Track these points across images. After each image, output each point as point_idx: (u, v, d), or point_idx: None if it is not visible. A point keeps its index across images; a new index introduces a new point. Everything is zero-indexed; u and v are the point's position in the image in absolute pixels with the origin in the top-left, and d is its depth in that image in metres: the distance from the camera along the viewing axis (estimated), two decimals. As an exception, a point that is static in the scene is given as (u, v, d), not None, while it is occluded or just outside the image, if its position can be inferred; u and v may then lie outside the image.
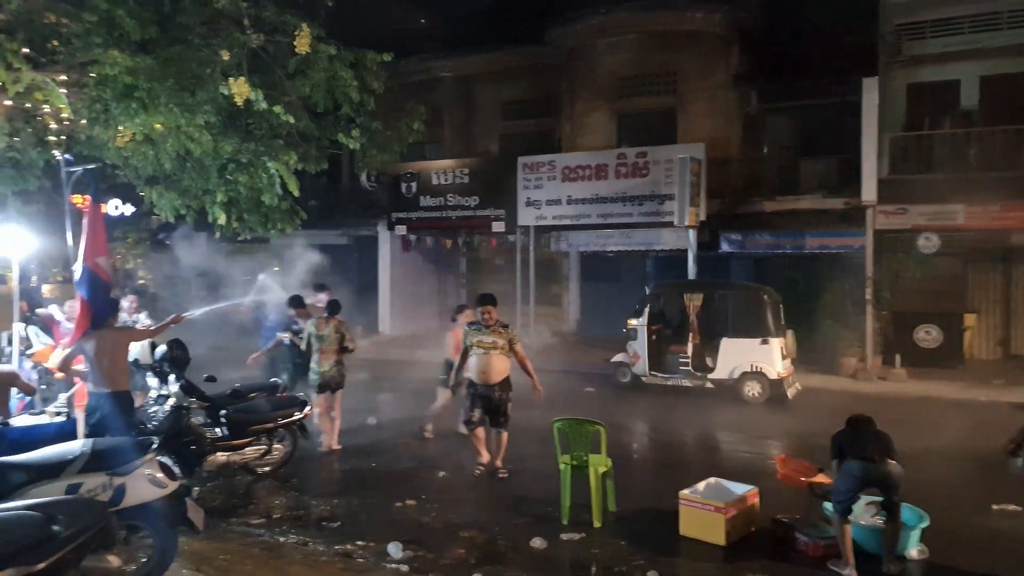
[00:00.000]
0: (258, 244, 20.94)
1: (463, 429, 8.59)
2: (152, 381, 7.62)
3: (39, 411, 7.09)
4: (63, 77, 8.06)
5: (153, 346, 7.82)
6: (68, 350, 7.29)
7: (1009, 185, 14.28)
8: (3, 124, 8.44)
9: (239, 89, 7.36)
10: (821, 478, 6.31)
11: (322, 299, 9.86)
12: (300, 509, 7.07)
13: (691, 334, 12.95)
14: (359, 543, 6.15)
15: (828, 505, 6.03)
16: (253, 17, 7.99)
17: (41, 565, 3.05)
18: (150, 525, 4.73)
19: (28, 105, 8.41)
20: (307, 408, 8.09)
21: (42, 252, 12.86)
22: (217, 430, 7.67)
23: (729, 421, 10.99)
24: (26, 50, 7.79)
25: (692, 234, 15.75)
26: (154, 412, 7.34)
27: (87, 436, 6.39)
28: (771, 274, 17.54)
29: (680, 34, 18.09)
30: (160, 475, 4.76)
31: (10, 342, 9.25)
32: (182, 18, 8.07)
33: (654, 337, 13.27)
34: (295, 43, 7.56)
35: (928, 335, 15.33)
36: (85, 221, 7.47)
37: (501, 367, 7.82)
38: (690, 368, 12.84)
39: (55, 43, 8.37)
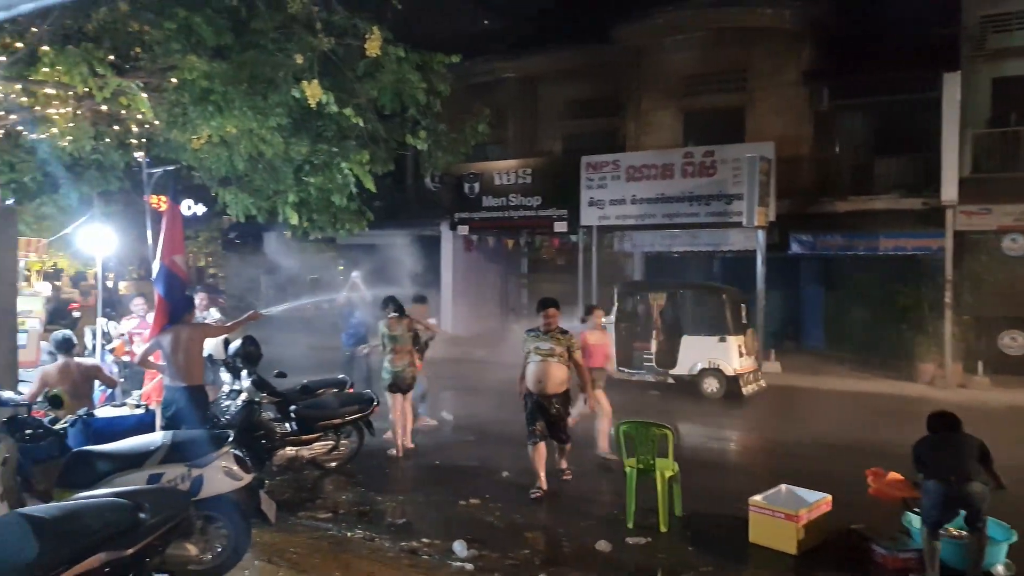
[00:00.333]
0: (325, 243, 21.35)
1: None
2: (225, 376, 7.83)
3: (120, 403, 7.34)
4: (144, 82, 8.35)
5: (227, 342, 8.04)
6: (146, 345, 7.55)
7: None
8: (88, 128, 8.80)
9: (312, 92, 7.51)
10: (911, 491, 6.05)
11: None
12: (366, 505, 7.17)
13: (655, 332, 13.48)
14: (424, 540, 6.20)
15: (911, 517, 5.82)
16: (324, 21, 8.14)
17: (130, 551, 3.16)
18: (225, 516, 4.87)
19: (111, 109, 8.76)
20: (374, 404, 8.20)
21: (120, 251, 13.36)
22: (287, 425, 7.83)
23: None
24: (111, 57, 8.11)
25: (761, 235, 15.46)
26: (226, 406, 7.54)
27: (163, 429, 6.62)
28: (842, 276, 17.16)
29: (749, 31, 17.75)
30: (236, 468, 4.90)
31: (94, 336, 9.65)
32: (256, 24, 8.27)
33: (623, 334, 13.70)
34: (365, 46, 7.67)
35: (1015, 341, 14.72)
36: (164, 220, 7.71)
37: (559, 376, 7.37)
38: (654, 364, 13.37)
39: (138, 50, 8.70)
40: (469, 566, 5.70)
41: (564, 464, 7.88)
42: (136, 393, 8.29)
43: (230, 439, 5.02)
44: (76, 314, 12.50)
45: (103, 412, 6.87)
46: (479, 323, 20.91)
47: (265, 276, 23.81)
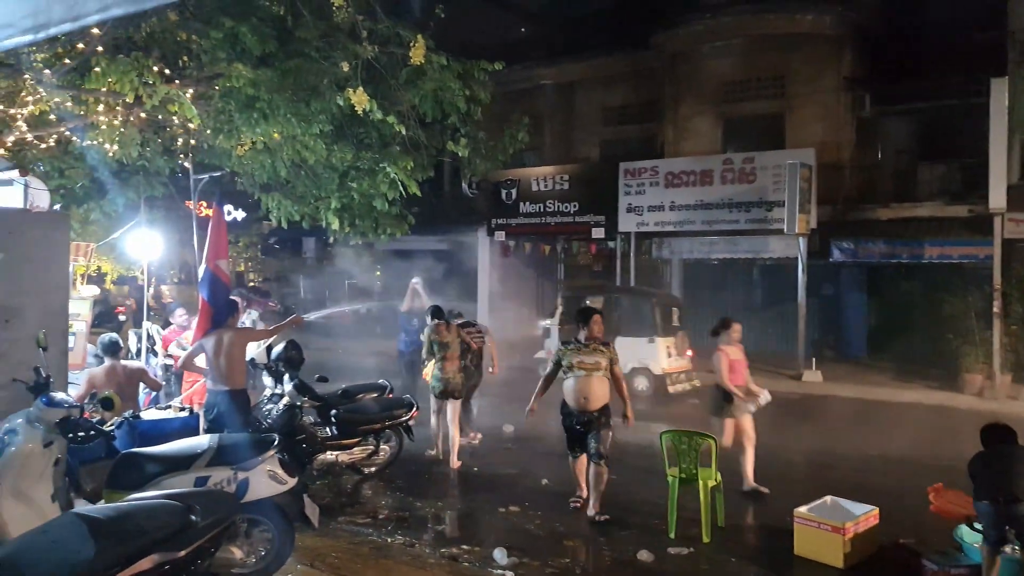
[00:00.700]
0: (362, 249, 21.52)
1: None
2: (267, 380, 7.90)
3: (165, 405, 7.45)
4: (191, 91, 8.51)
5: (269, 347, 8.12)
6: (190, 348, 7.66)
7: None
8: (136, 135, 8.98)
9: (358, 99, 7.59)
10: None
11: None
12: (405, 510, 7.19)
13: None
14: (464, 547, 6.20)
15: (963, 531, 5.67)
16: (368, 30, 8.22)
17: (182, 553, 3.20)
18: (270, 520, 4.90)
19: (158, 116, 8.93)
20: (414, 409, 8.22)
21: (162, 255, 13.60)
22: (327, 429, 7.88)
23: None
24: (159, 66, 8.28)
25: (802, 242, 15.27)
26: (268, 410, 7.61)
27: (205, 432, 6.69)
28: (885, 284, 16.87)
29: (789, 37, 17.56)
30: (280, 472, 4.93)
31: (139, 340, 9.81)
32: (301, 32, 8.38)
33: (565, 335, 14.00)
34: (410, 54, 7.74)
35: (1066, 352, 14.32)
36: (209, 225, 7.83)
37: (602, 391, 6.87)
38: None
39: (185, 59, 8.87)
40: (510, 574, 5.68)
41: (598, 507, 6.87)
42: (176, 401, 8.42)
43: (276, 443, 5.06)
44: (122, 318, 12.73)
45: (148, 415, 6.98)
46: (515, 329, 20.90)
47: (304, 281, 24.11)
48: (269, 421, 7.34)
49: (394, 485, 7.92)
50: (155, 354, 9.35)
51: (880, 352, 16.64)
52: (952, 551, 5.81)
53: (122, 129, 8.76)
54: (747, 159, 16.41)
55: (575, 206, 18.97)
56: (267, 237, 24.59)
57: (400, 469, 8.33)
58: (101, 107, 8.66)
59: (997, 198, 13.92)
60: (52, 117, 8.94)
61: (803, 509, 6.19)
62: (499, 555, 5.94)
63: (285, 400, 7.45)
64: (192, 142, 9.73)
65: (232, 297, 8.07)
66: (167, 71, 8.42)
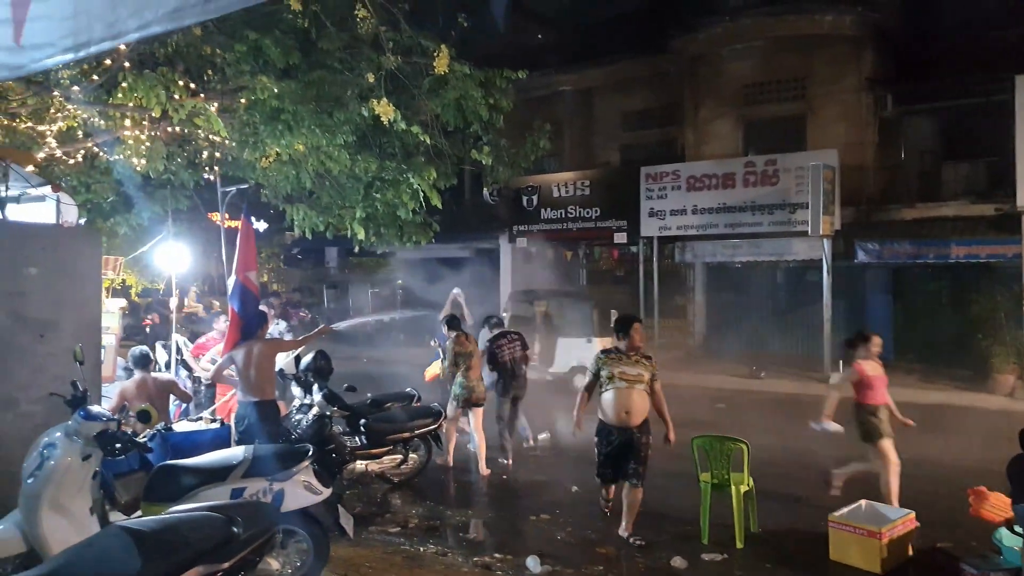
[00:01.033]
0: (384, 258, 21.63)
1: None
2: (296, 390, 7.94)
3: (197, 417, 7.50)
4: (215, 104, 8.59)
5: (298, 357, 8.16)
6: (220, 360, 7.71)
7: None
8: (161, 149, 9.08)
9: (383, 110, 7.63)
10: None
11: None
12: (436, 519, 7.19)
13: (538, 335, 14.44)
14: (496, 555, 6.19)
15: (1002, 533, 5.60)
16: (390, 40, 8.27)
17: (226, 565, 3.22)
18: (305, 530, 4.92)
19: (183, 130, 9.03)
20: (442, 418, 8.23)
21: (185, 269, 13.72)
22: (356, 439, 7.91)
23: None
24: (184, 80, 8.37)
25: (827, 244, 15.17)
26: (297, 420, 7.63)
27: (236, 443, 6.73)
28: (911, 284, 16.70)
29: (809, 38, 17.45)
30: (315, 482, 4.95)
31: (168, 352, 9.89)
32: (324, 44, 8.45)
33: None
34: (434, 63, 7.77)
35: (1098, 351, 14.10)
36: (239, 237, 7.89)
37: (644, 405, 6.42)
38: (537, 363, 13.90)
39: (209, 72, 8.97)
40: (544, 582, 5.67)
41: (631, 527, 6.55)
42: (206, 413, 8.47)
43: (310, 453, 5.08)
44: (148, 330, 12.88)
45: (179, 426, 7.03)
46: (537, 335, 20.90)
47: (328, 291, 24.23)
48: (299, 431, 7.36)
49: (424, 494, 7.93)
50: (185, 366, 9.42)
51: (907, 353, 16.42)
52: (991, 554, 5.76)
53: (147, 144, 8.87)
54: (769, 161, 16.33)
55: (596, 211, 18.97)
56: (289, 248, 24.75)
57: (429, 478, 8.35)
58: (128, 122, 8.77)
59: (1024, 196, 13.77)
60: (79, 133, 9.06)
61: (838, 514, 6.14)
62: (532, 563, 5.93)
63: (315, 410, 7.47)
64: (217, 155, 9.83)
65: (261, 308, 8.12)
66: (192, 85, 8.51)
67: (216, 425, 7.09)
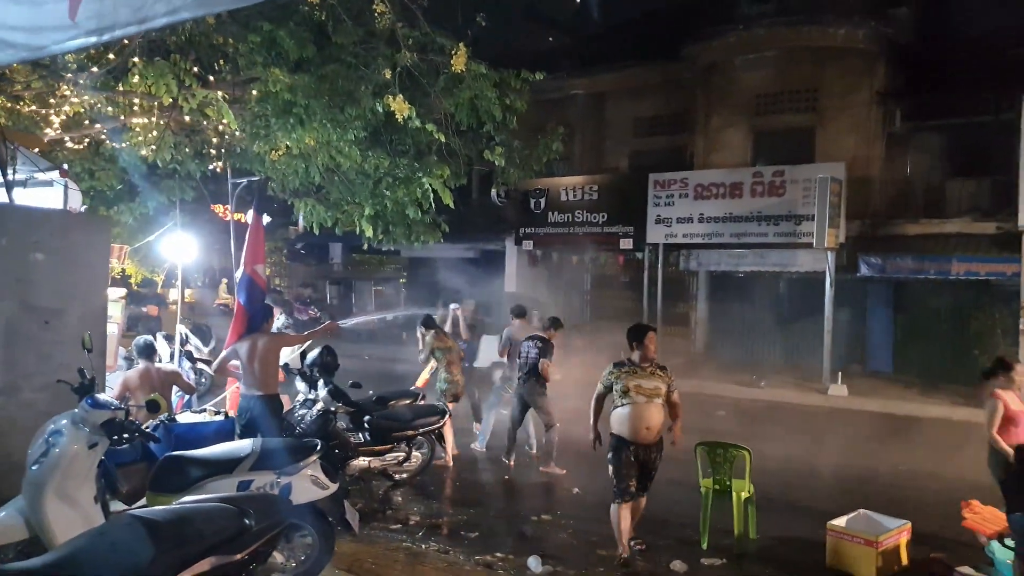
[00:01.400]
0: (389, 256, 21.62)
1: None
2: (301, 385, 7.91)
3: (201, 409, 7.46)
4: (225, 94, 8.55)
5: (303, 352, 8.13)
6: (223, 353, 7.68)
7: None
8: (170, 138, 9.04)
9: (399, 107, 7.60)
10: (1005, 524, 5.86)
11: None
12: (438, 517, 7.19)
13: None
14: (498, 555, 6.19)
15: (994, 546, 5.61)
16: (406, 36, 8.24)
17: (237, 557, 3.20)
18: (311, 524, 4.90)
19: (192, 120, 8.99)
20: (447, 417, 8.21)
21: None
22: (360, 435, 7.88)
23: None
24: (196, 69, 8.33)
25: (831, 256, 15.19)
26: (301, 415, 7.60)
27: (239, 436, 6.70)
28: (912, 299, 16.72)
29: (822, 50, 17.45)
30: (322, 477, 4.94)
31: (169, 342, 9.86)
32: (339, 38, 8.42)
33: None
34: (452, 61, 7.75)
35: (1092, 370, 14.12)
36: (248, 230, 7.86)
37: (660, 421, 6.09)
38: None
39: (221, 62, 8.93)
40: (546, 583, 5.66)
41: (632, 531, 6.37)
42: (217, 400, 8.45)
43: (318, 448, 5.06)
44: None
45: (183, 418, 7.00)
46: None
47: (331, 287, 24.20)
48: (303, 426, 7.34)
49: (426, 492, 7.94)
50: (188, 357, 9.39)
51: (906, 367, 16.48)
52: (984, 566, 5.83)
53: (153, 132, 8.83)
54: (777, 172, 16.35)
55: (604, 216, 18.98)
56: (293, 243, 24.71)
57: (431, 476, 8.33)
58: (136, 109, 8.74)
59: (1028, 216, 13.79)
60: (86, 119, 9.02)
61: (836, 522, 6.20)
62: (534, 563, 5.94)
63: (319, 406, 7.44)
64: (225, 146, 9.79)
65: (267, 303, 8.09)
66: (203, 75, 8.47)
67: (220, 417, 7.07)
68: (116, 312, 10.07)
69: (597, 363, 8.73)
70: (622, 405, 6.03)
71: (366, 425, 7.80)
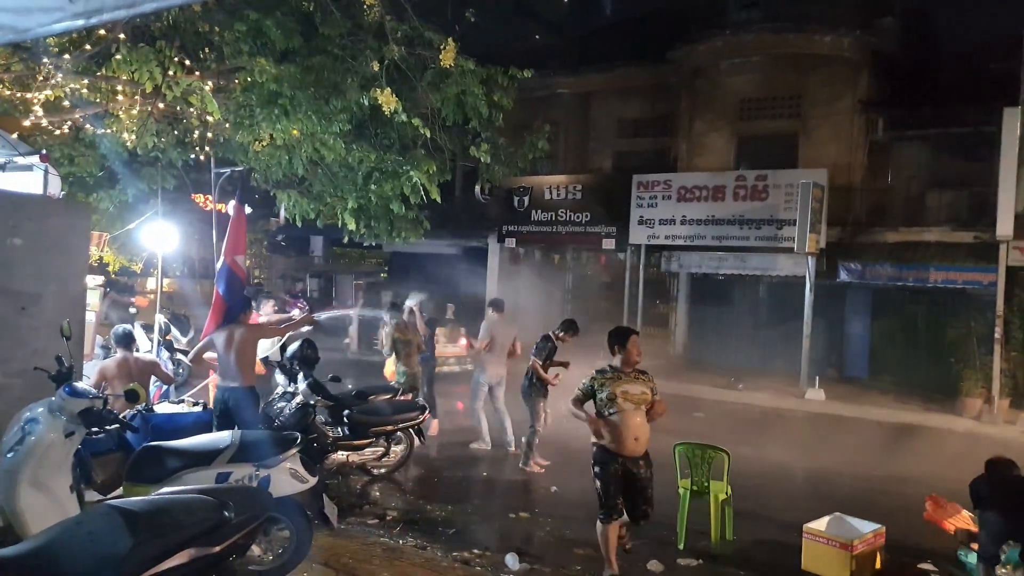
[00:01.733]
0: (370, 250, 21.49)
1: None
2: (280, 378, 7.86)
3: (179, 400, 7.40)
4: (210, 83, 8.48)
5: (284, 345, 8.09)
6: (199, 343, 7.62)
7: None
8: (152, 125, 8.94)
9: (386, 100, 7.57)
10: (966, 524, 5.96)
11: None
12: (416, 512, 7.18)
13: (382, 322, 15.10)
14: (475, 551, 6.18)
15: (966, 551, 5.70)
16: (394, 30, 8.21)
17: (216, 548, 3.18)
18: (290, 518, 4.87)
19: (175, 108, 8.90)
20: (426, 412, 8.19)
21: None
22: (339, 429, 7.85)
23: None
24: (179, 57, 8.24)
25: (811, 261, 15.31)
26: (280, 408, 7.56)
27: (216, 428, 6.65)
28: (890, 306, 16.90)
29: (807, 57, 17.60)
30: (302, 470, 4.91)
31: (147, 332, 9.76)
32: (326, 29, 8.36)
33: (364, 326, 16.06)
34: (441, 56, 7.72)
35: (1065, 379, 14.38)
36: (231, 221, 7.80)
37: (648, 431, 5.63)
38: (380, 347, 14.55)
39: (206, 50, 8.83)
40: (522, 580, 5.66)
41: (624, 532, 6.03)
42: (187, 396, 8.37)
43: (298, 441, 5.03)
44: (133, 310, 12.72)
45: (160, 408, 6.94)
46: (521, 336, 20.82)
47: (311, 280, 24.05)
48: (281, 419, 7.30)
49: (404, 487, 7.93)
50: (167, 347, 9.30)
51: (882, 373, 16.67)
52: (956, 572, 5.90)
53: (135, 119, 8.71)
54: (760, 176, 16.46)
55: (587, 216, 19.01)
56: (274, 235, 24.52)
57: (409, 471, 8.32)
58: (120, 96, 8.63)
59: (1004, 226, 13.97)
60: (66, 103, 8.90)
61: (812, 525, 6.25)
62: (511, 560, 5.94)
63: (298, 399, 7.41)
64: (209, 135, 9.70)
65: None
66: (187, 62, 8.39)
67: (199, 409, 7.01)
68: (94, 300, 9.96)
69: (577, 362, 8.80)
70: (609, 414, 5.54)
71: (345, 419, 7.78)
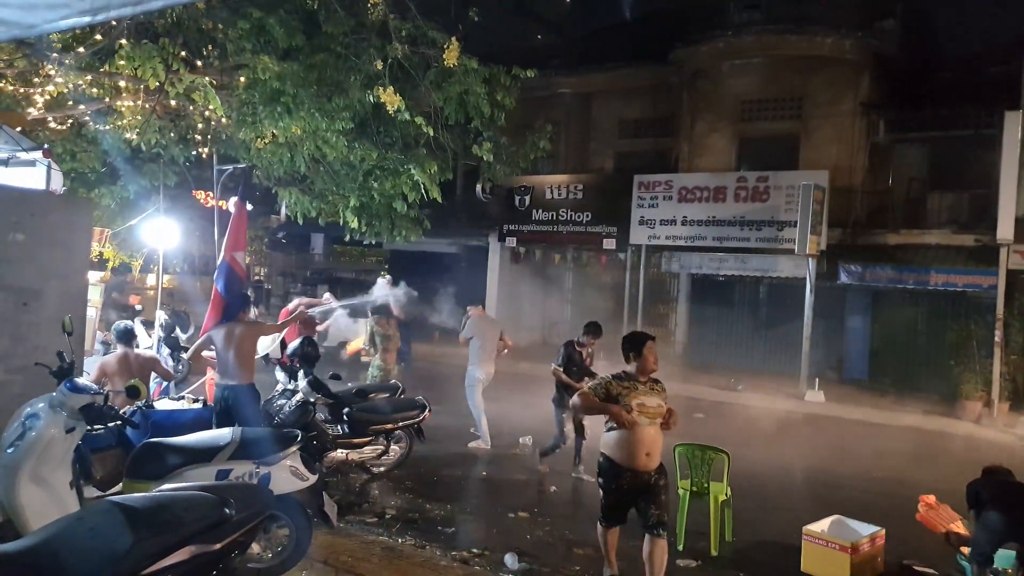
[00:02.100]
0: (371, 248, 21.46)
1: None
2: (280, 376, 7.86)
3: (179, 396, 7.40)
4: (213, 80, 8.47)
5: (283, 343, 8.08)
6: (198, 341, 7.61)
7: None
8: (155, 122, 8.94)
9: (389, 99, 7.57)
10: (959, 528, 5.98)
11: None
12: (415, 511, 7.17)
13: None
14: (475, 551, 6.19)
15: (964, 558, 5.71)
16: (397, 29, 8.21)
17: (217, 546, 3.18)
18: (290, 516, 4.87)
19: (177, 105, 8.90)
20: (426, 411, 8.18)
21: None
22: (338, 427, 7.84)
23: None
24: (183, 53, 8.24)
25: (811, 263, 15.32)
26: (280, 406, 7.55)
27: (215, 425, 6.64)
28: (890, 308, 16.92)
29: (809, 59, 17.61)
30: (302, 468, 4.91)
31: (146, 328, 9.77)
32: (329, 27, 8.37)
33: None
34: (444, 55, 7.73)
35: (1065, 383, 14.39)
36: (232, 217, 7.80)
37: (660, 446, 5.26)
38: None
39: (209, 48, 8.84)
40: (521, 580, 5.66)
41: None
42: (195, 387, 8.39)
43: (299, 439, 5.03)
44: (138, 307, 12.75)
45: (160, 405, 6.94)
46: (521, 336, 20.85)
47: (311, 276, 24.06)
48: (281, 417, 7.29)
49: (404, 486, 7.91)
50: (168, 343, 9.30)
51: (881, 375, 16.69)
52: (954, 574, 5.90)
53: (138, 115, 8.72)
54: (761, 178, 16.47)
55: (588, 216, 19.03)
56: (275, 232, 24.54)
57: (408, 470, 8.31)
58: (123, 93, 8.63)
59: (1005, 229, 13.99)
60: (69, 100, 8.90)
61: (812, 527, 6.25)
62: (510, 560, 5.94)
63: (298, 396, 7.40)
64: (211, 132, 9.70)
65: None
66: (190, 59, 8.39)
67: (199, 405, 7.01)
68: (95, 296, 9.97)
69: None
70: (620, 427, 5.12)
71: (345, 417, 7.77)
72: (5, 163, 7.20)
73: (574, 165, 21.26)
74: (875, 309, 17.29)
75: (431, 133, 8.54)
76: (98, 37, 8.04)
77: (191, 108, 9.14)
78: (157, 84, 7.82)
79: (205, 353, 7.56)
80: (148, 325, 10.37)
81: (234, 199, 8.34)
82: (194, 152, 10.31)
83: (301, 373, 7.51)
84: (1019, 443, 12.27)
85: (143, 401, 6.49)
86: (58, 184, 7.78)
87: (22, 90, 8.55)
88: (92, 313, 9.82)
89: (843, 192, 16.59)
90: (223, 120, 8.96)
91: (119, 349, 7.36)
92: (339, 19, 8.15)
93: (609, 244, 18.71)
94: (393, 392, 8.62)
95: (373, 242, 11.83)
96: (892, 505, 7.93)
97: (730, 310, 18.64)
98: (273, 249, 25.20)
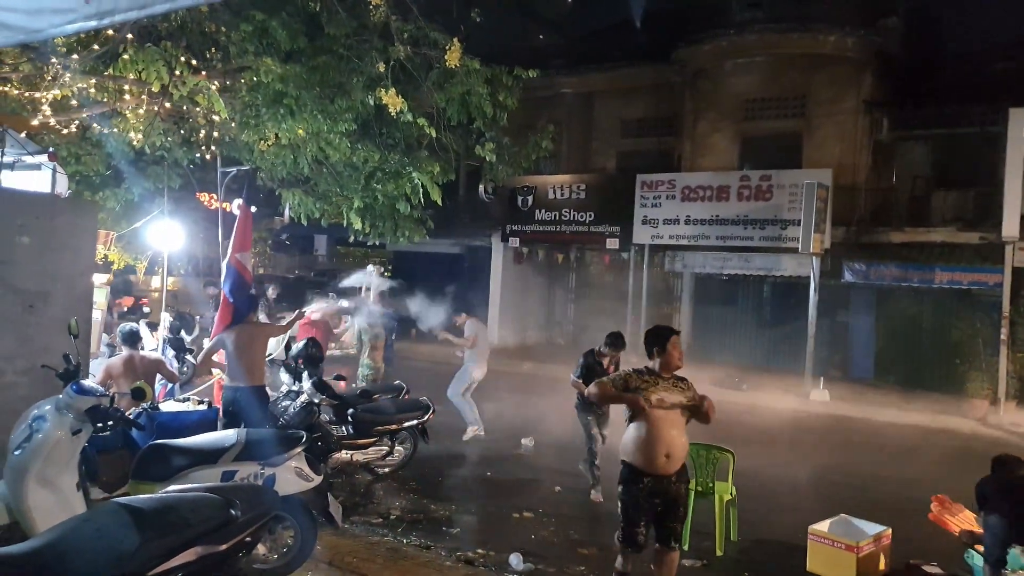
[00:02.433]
0: (374, 249, 21.49)
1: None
2: (284, 377, 7.88)
3: (184, 398, 7.43)
4: (216, 83, 8.50)
5: (288, 344, 8.10)
6: (208, 344, 7.64)
7: None
8: (159, 124, 8.97)
9: (392, 100, 7.59)
10: (971, 526, 5.95)
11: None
12: (419, 512, 7.19)
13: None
14: (479, 551, 6.20)
15: (973, 554, 5.69)
16: (399, 30, 8.23)
17: (223, 547, 3.19)
18: (295, 516, 4.89)
19: (181, 107, 8.93)
20: (431, 412, 8.19)
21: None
22: (343, 428, 7.86)
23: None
24: (186, 57, 8.27)
25: (815, 261, 15.30)
26: (284, 407, 7.57)
27: (222, 427, 6.67)
28: (894, 307, 16.89)
29: (811, 57, 17.59)
30: (307, 469, 4.93)
31: (151, 330, 9.80)
32: (331, 29, 8.39)
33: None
34: (446, 56, 7.74)
35: (1071, 380, 14.37)
36: (237, 220, 7.83)
37: (682, 447, 4.91)
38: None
39: (213, 50, 8.87)
40: (526, 580, 5.68)
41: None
42: (200, 388, 8.41)
43: (304, 440, 5.05)
44: (147, 309, 12.80)
45: (166, 407, 6.96)
46: (525, 336, 20.90)
47: (315, 278, 24.11)
48: (286, 418, 7.30)
49: (408, 486, 7.92)
50: (173, 345, 9.34)
51: (886, 374, 16.66)
52: (961, 573, 5.88)
53: (142, 118, 8.75)
54: (764, 176, 16.44)
55: (591, 216, 19.02)
56: (278, 233, 24.60)
57: (412, 471, 8.32)
58: (127, 96, 8.66)
59: (1010, 227, 13.96)
60: (74, 103, 8.94)
61: (817, 526, 6.23)
62: (515, 560, 5.95)
63: (303, 397, 7.41)
64: (215, 134, 9.73)
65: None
66: (194, 62, 8.42)
67: (203, 407, 7.03)
68: (100, 298, 10.01)
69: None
70: (639, 422, 4.86)
71: (349, 418, 7.78)
72: (11, 167, 7.24)
73: (576, 165, 21.26)
74: (880, 307, 17.26)
75: (433, 134, 8.55)
76: (103, 40, 8.07)
77: (195, 111, 9.17)
78: (161, 87, 7.85)
79: (215, 357, 7.60)
80: (153, 327, 10.40)
81: (238, 201, 8.37)
82: (198, 154, 10.33)
83: (305, 374, 7.53)
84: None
85: (148, 403, 6.52)
86: (63, 187, 7.81)
87: (28, 94, 8.58)
88: (97, 315, 9.87)
89: (847, 190, 16.57)
90: (227, 122, 8.99)
91: (124, 351, 7.38)
92: (341, 21, 8.16)
93: (612, 244, 18.70)
94: (397, 393, 8.64)
95: (377, 243, 11.84)
96: (898, 504, 7.92)
97: (734, 309, 18.64)
98: (276, 250, 25.26)
